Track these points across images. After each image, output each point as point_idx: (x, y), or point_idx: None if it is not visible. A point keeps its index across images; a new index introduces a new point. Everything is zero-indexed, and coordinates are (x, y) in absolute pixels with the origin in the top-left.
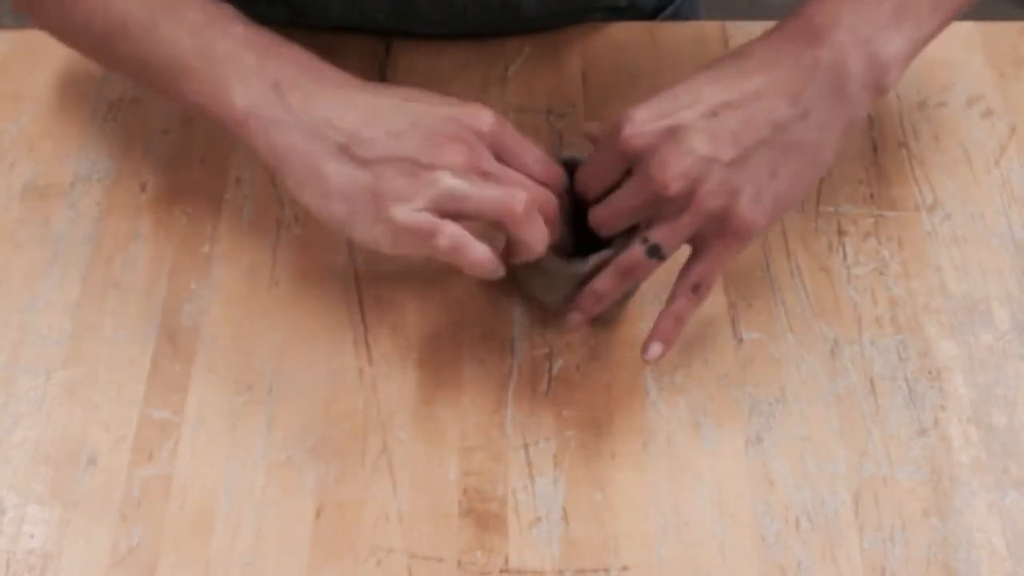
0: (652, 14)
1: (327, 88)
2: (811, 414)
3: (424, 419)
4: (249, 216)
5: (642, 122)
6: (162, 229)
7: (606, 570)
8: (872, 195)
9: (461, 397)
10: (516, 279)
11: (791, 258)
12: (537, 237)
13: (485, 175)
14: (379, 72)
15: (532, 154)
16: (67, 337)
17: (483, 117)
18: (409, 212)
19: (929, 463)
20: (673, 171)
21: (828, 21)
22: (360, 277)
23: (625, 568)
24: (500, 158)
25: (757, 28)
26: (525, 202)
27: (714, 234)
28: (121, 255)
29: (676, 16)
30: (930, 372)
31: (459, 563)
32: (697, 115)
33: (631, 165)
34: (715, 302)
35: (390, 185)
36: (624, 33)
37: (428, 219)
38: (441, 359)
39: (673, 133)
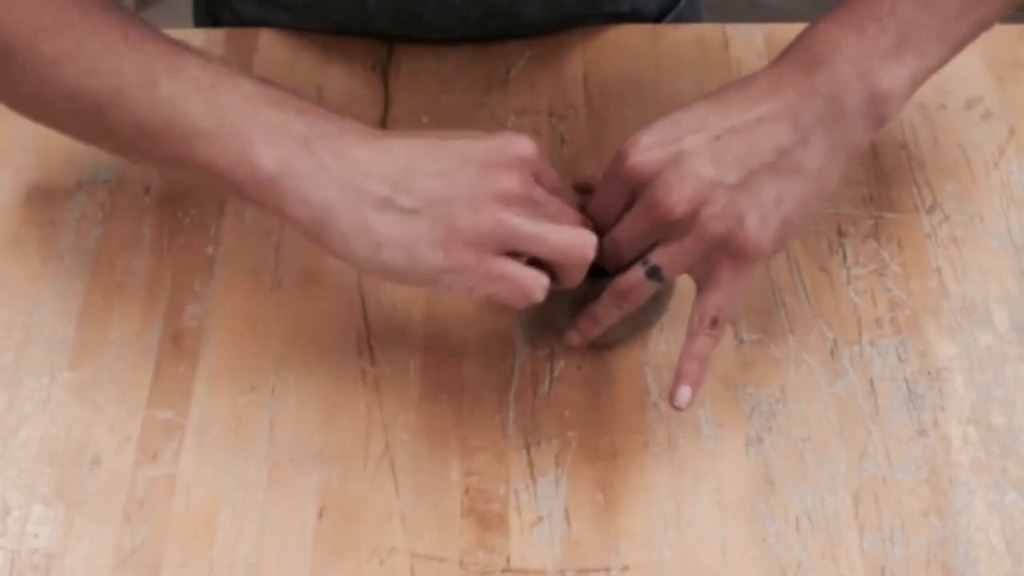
0: (654, 20)
1: (356, 139)
2: (811, 414)
3: (426, 420)
4: (252, 218)
5: (646, 148)
6: (166, 231)
7: (607, 570)
8: (871, 197)
9: (463, 398)
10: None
11: (791, 259)
12: (582, 275)
13: (536, 204)
14: (382, 74)
15: (558, 181)
16: (72, 338)
17: (524, 144)
18: (481, 259)
19: (928, 463)
20: (678, 195)
21: (828, 50)
22: (363, 278)
23: (626, 568)
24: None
25: (757, 31)
26: (595, 246)
27: (721, 260)
28: (125, 257)
29: (678, 20)
30: (929, 373)
31: (461, 563)
32: (702, 140)
33: (636, 192)
34: None
35: (453, 228)
36: (625, 35)
37: (502, 267)
38: (443, 360)
39: (677, 158)
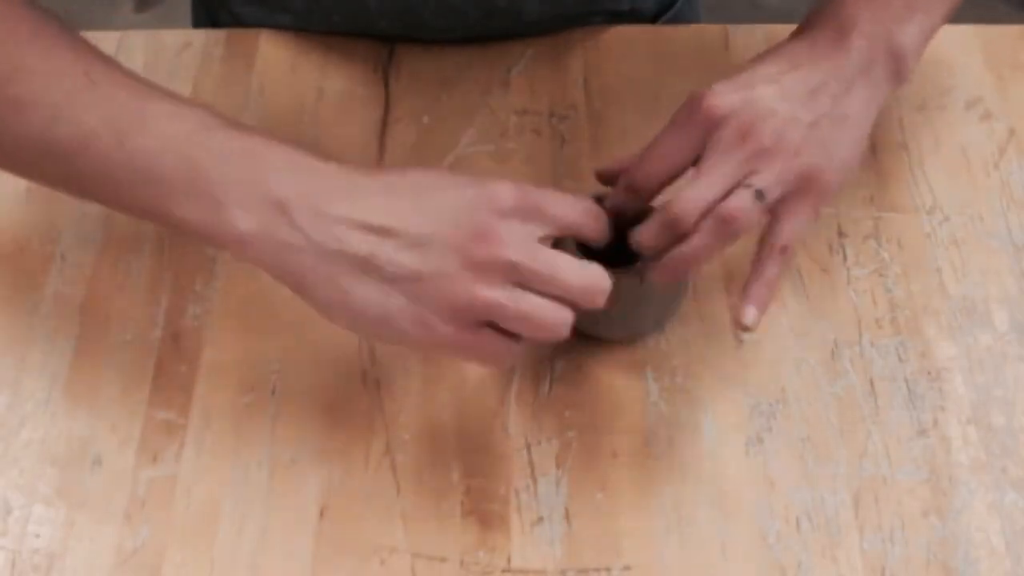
0: (652, 18)
1: (332, 192)
2: (811, 414)
3: (427, 420)
4: None
5: (720, 93)
6: (166, 231)
7: (608, 570)
8: (872, 197)
9: (464, 398)
10: None
11: (791, 259)
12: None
13: (513, 269)
14: (383, 75)
15: (561, 202)
16: (73, 338)
17: (501, 195)
18: (457, 334)
19: (928, 463)
20: (761, 127)
21: (852, 14)
22: None
23: (627, 568)
24: (531, 219)
25: (758, 31)
26: (569, 323)
27: (796, 193)
28: (126, 256)
29: (676, 19)
30: (929, 373)
31: (462, 562)
32: (772, 87)
33: (707, 135)
34: (716, 302)
35: (427, 308)
36: (625, 36)
37: (476, 339)
38: (444, 360)
39: (753, 100)
